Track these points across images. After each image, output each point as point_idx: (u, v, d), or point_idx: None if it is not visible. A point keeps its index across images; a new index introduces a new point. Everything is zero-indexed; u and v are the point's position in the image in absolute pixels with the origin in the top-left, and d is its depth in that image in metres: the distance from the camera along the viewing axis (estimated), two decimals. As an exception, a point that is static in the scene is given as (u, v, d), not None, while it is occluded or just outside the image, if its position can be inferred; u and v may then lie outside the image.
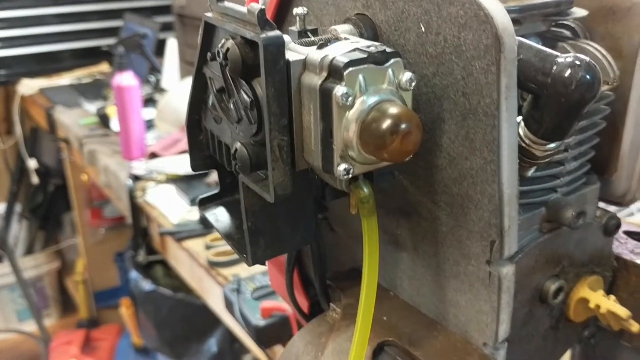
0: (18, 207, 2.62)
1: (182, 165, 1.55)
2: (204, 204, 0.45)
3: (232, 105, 0.34)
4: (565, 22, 0.43)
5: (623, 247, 0.49)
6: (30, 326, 2.55)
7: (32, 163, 2.37)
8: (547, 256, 0.41)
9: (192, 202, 1.45)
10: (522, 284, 0.41)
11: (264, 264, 0.41)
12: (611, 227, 0.45)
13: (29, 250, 2.69)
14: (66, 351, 2.23)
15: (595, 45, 0.40)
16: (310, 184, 0.38)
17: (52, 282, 2.69)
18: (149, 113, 1.82)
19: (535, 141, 0.34)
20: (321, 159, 0.31)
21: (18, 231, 2.66)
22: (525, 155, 0.35)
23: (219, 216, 0.43)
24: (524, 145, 0.35)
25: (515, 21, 0.37)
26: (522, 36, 0.35)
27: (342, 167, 0.30)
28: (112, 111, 1.84)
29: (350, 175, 0.31)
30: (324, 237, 0.48)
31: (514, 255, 0.39)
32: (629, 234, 0.52)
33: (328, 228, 0.48)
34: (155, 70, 2.03)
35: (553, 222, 0.41)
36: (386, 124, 0.29)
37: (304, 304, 0.51)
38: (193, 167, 0.43)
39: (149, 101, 1.94)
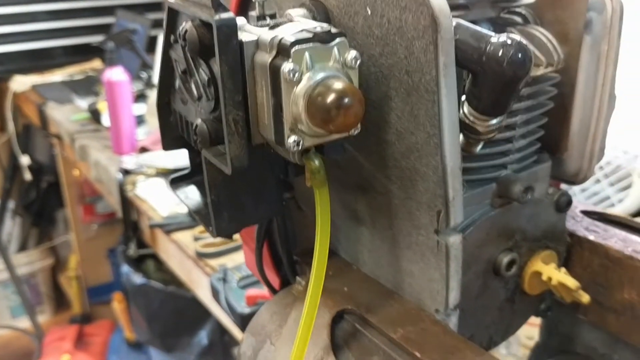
0: (11, 204, 2.64)
1: (172, 159, 1.57)
2: (175, 183, 0.47)
3: (193, 85, 0.36)
4: (516, 9, 0.45)
5: (578, 224, 0.51)
6: (24, 323, 2.57)
7: (24, 159, 2.39)
8: (499, 230, 0.44)
9: (181, 196, 1.47)
10: (475, 256, 0.43)
11: (230, 237, 0.43)
12: (562, 203, 0.47)
13: (23, 247, 2.71)
14: (59, 347, 2.25)
15: (542, 30, 0.43)
16: (270, 161, 0.40)
17: (45, 278, 2.71)
18: (140, 109, 1.83)
19: (477, 117, 0.36)
20: (274, 132, 0.33)
21: (11, 228, 2.68)
22: (470, 132, 0.38)
23: (189, 194, 0.45)
24: (468, 122, 0.37)
25: (463, 7, 0.40)
26: (473, 21, 0.37)
27: (292, 139, 0.33)
28: (103, 106, 1.86)
29: (300, 147, 0.33)
30: (293, 216, 0.50)
31: (466, 228, 0.42)
32: (586, 213, 0.54)
33: (296, 207, 0.50)
34: (147, 66, 2.05)
35: (504, 197, 0.43)
36: (331, 98, 0.31)
37: (275, 281, 0.53)
38: (164, 147, 0.46)
39: (140, 97, 1.96)
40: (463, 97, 0.36)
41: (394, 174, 0.38)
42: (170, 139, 0.45)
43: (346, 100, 0.31)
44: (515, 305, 0.48)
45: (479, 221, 0.42)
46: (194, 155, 0.46)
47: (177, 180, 0.47)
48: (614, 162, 1.36)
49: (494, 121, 0.37)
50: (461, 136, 0.39)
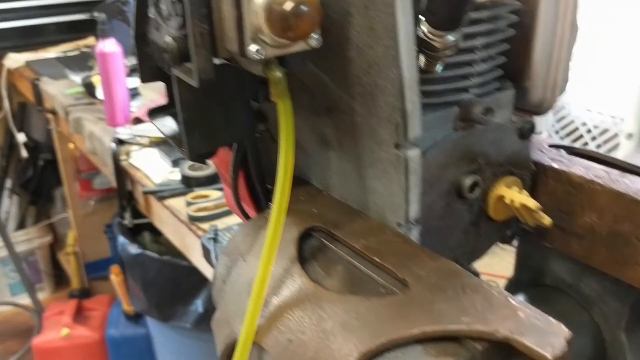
0: (8, 183, 2.66)
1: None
2: (154, 114, 0.49)
3: (163, 5, 0.38)
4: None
5: (544, 155, 0.53)
6: (23, 300, 2.61)
7: (21, 137, 2.41)
8: (462, 153, 0.46)
9: (175, 163, 1.49)
10: (438, 177, 0.45)
11: (203, 161, 0.45)
12: (526, 130, 0.49)
13: (21, 225, 2.74)
14: (59, 321, 2.28)
15: (502, -44, 0.44)
16: (240, 82, 0.42)
17: (44, 256, 2.74)
18: (134, 82, 1.85)
19: (434, 33, 0.38)
20: (237, 44, 0.35)
21: (9, 207, 2.70)
22: (429, 49, 0.40)
23: (166, 123, 0.47)
24: (426, 39, 0.39)
25: None
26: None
27: (254, 47, 0.34)
28: (97, 80, 1.87)
29: (262, 56, 0.35)
30: (268, 148, 0.52)
31: (429, 149, 0.44)
32: (553, 146, 0.56)
33: (271, 140, 0.52)
34: (140, 41, 2.05)
35: (466, 121, 0.45)
36: (288, 6, 0.33)
37: (253, 215, 0.56)
38: (142, 79, 0.47)
39: (135, 71, 1.97)
40: (421, 17, 0.38)
41: (357, 91, 0.40)
42: (148, 70, 0.47)
43: (303, 7, 0.33)
44: (480, 229, 0.50)
45: (441, 142, 0.44)
46: (171, 88, 0.48)
47: (155, 111, 0.49)
48: (602, 126, 1.38)
49: (451, 37, 0.38)
50: (422, 57, 0.41)
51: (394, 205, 0.42)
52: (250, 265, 0.42)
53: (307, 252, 0.43)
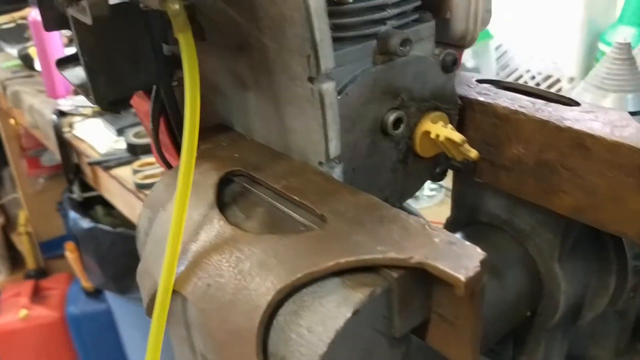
0: (-47, 166, 2.56)
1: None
2: (62, 64, 0.46)
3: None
4: None
5: (472, 90, 0.53)
6: (-21, 284, 2.54)
7: (-40, 116, 2.31)
8: (383, 87, 0.45)
9: (119, 132, 1.45)
10: (360, 114, 0.44)
11: (117, 110, 0.43)
12: (448, 62, 0.48)
13: (-30, 209, 2.65)
14: (15, 303, 2.24)
15: None
16: (144, 22, 0.40)
17: (-3, 238, 2.67)
18: (72, 51, 1.78)
19: (340, -42, 0.36)
20: (129, -26, 0.33)
21: (-44, 190, 2.61)
22: (336, -23, 0.38)
23: (75, 73, 0.45)
24: (333, -35, 0.37)
25: None
26: None
27: (145, -23, 0.32)
28: (34, 51, 1.80)
29: (156, -13, 0.33)
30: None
31: (348, 84, 0.42)
32: (481, 81, 0.55)
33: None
34: (78, 9, 1.97)
35: (385, 54, 0.44)
36: None
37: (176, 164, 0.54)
38: (45, 28, 0.45)
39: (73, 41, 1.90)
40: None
41: (265, 24, 0.38)
42: (50, 18, 0.44)
43: None
44: (408, 167, 0.49)
45: (361, 77, 0.43)
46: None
47: (63, 61, 0.46)
48: (545, 72, 1.39)
49: (358, -37, 0.37)
50: (334, -12, 0.40)
51: (313, 144, 0.41)
52: (170, 214, 0.41)
53: (227, 197, 0.41)
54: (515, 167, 0.50)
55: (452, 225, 0.64)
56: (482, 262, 0.31)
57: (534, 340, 0.61)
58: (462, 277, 0.30)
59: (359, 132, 0.44)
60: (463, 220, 0.62)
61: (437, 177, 0.52)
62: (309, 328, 0.32)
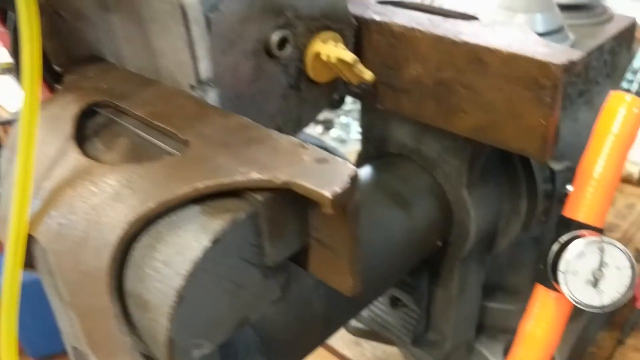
0: None
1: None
2: None
3: None
4: None
5: (368, 10, 0.49)
6: None
7: None
8: (265, 4, 0.40)
9: (29, 88, 1.36)
10: (239, 33, 0.40)
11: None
12: (337, -23, 0.44)
13: None
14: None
15: None
16: None
17: None
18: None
19: None
20: None
21: None
22: None
23: None
24: None
25: None
26: None
27: None
28: None
29: None
30: (58, 27, 0.45)
31: (218, 2, 0.38)
32: (382, 2, 0.52)
33: (57, 16, 0.45)
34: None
35: (262, -36, 0.40)
36: None
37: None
38: None
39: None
40: None
41: None
42: None
43: None
44: (302, 92, 0.46)
45: (236, -9, 0.39)
46: None
47: None
48: None
49: None
50: None
51: (182, 65, 0.37)
52: (22, 150, 0.36)
53: (89, 130, 0.37)
54: (415, 89, 0.47)
55: (363, 159, 0.61)
56: (352, 178, 0.28)
57: (448, 270, 0.60)
58: (328, 194, 0.27)
59: (239, 53, 0.40)
60: (373, 152, 0.60)
61: (336, 104, 0.49)
62: (165, 261, 0.28)
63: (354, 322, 0.70)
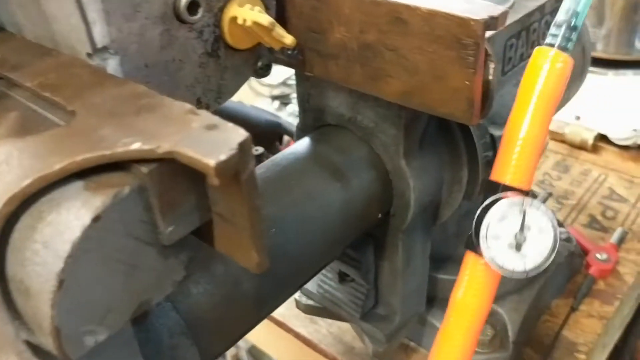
0: None
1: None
2: None
3: None
4: None
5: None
6: None
7: None
8: (169, -35, 0.38)
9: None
10: (142, -3, 0.37)
11: None
12: (252, -64, 0.42)
13: None
14: None
15: None
16: None
17: None
18: None
19: None
20: None
21: None
22: None
23: None
24: None
25: None
26: None
27: None
28: None
29: None
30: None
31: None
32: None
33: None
34: None
35: None
36: None
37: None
38: None
39: None
40: None
41: None
42: None
43: None
44: (221, 60, 0.44)
45: (135, -49, 0.36)
46: None
47: None
48: None
49: None
50: None
51: (75, 31, 0.34)
52: None
53: (-22, 105, 0.34)
54: (341, 54, 0.45)
55: (302, 130, 0.59)
56: (242, 145, 0.26)
57: (392, 243, 0.58)
58: (211, 162, 0.25)
59: (144, 19, 0.38)
60: (311, 124, 0.58)
61: (260, 73, 0.47)
62: (45, 243, 0.26)
63: (305, 300, 0.69)
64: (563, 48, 0.41)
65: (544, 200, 0.76)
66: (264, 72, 0.47)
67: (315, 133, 0.56)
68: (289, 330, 0.75)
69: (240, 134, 0.26)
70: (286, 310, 0.76)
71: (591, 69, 1.01)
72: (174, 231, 0.29)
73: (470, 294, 0.44)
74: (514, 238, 0.41)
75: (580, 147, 0.99)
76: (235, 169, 0.26)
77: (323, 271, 0.66)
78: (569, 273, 0.78)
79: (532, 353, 0.69)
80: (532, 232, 0.41)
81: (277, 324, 0.76)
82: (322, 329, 0.74)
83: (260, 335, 0.86)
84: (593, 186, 0.93)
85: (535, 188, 0.92)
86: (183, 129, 0.27)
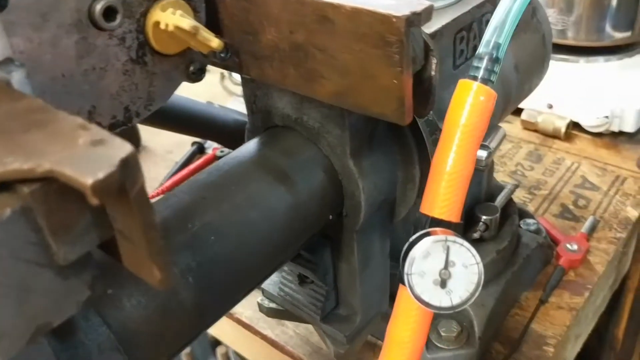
0: None
1: None
2: None
3: None
4: None
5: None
6: None
7: None
8: (80, -30, 0.37)
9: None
10: (51, 4, 0.36)
11: None
12: (172, -63, 0.40)
13: None
14: None
15: None
16: None
17: None
18: None
19: None
20: None
21: None
22: None
23: None
24: None
25: None
26: None
27: None
28: None
29: None
30: None
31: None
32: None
33: None
34: None
35: None
36: None
37: None
38: None
39: None
40: None
41: None
42: None
43: None
44: (149, 67, 0.42)
45: (40, -43, 0.35)
46: None
47: None
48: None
49: None
50: None
51: (-25, 45, 0.33)
52: None
53: None
54: (274, 55, 0.44)
55: (251, 133, 0.58)
56: (124, 161, 0.24)
57: (348, 244, 0.57)
58: (88, 181, 0.23)
59: (56, 28, 0.36)
60: (260, 125, 0.57)
61: (194, 77, 0.45)
62: None
63: (267, 303, 0.68)
64: (486, 81, 0.41)
65: (512, 192, 0.75)
66: (197, 76, 0.45)
67: (261, 135, 0.55)
68: (256, 332, 0.74)
69: (125, 149, 0.25)
70: (254, 313, 0.75)
71: (562, 56, 1.00)
72: (70, 251, 0.28)
73: (405, 329, 0.44)
74: (438, 274, 0.41)
75: (553, 135, 0.98)
76: (117, 186, 0.24)
77: (283, 273, 0.65)
78: (538, 265, 0.77)
79: (500, 348, 0.68)
80: (456, 267, 0.41)
81: (245, 326, 0.75)
82: (289, 331, 0.73)
83: (233, 338, 0.86)
84: (566, 175, 0.91)
85: (506, 179, 0.91)
86: (68, 146, 0.26)
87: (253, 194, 0.48)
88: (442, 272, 0.41)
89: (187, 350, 1.41)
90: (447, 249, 0.41)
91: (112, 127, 0.41)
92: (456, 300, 0.42)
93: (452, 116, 0.41)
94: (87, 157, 0.25)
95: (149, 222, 0.26)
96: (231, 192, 0.47)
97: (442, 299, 0.42)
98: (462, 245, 0.41)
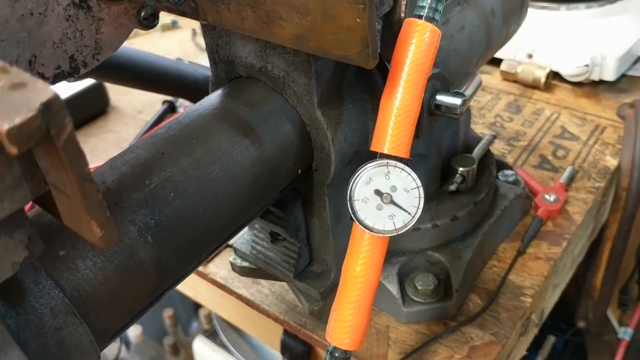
0: None
1: None
2: None
3: None
4: None
5: None
6: None
7: None
8: None
9: None
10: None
11: None
12: None
13: None
14: None
15: None
16: None
17: None
18: None
19: None
20: None
21: None
22: None
23: None
24: None
25: None
26: None
27: None
28: None
29: None
30: None
31: None
32: None
33: None
34: None
35: None
36: None
37: None
38: None
39: None
40: None
41: None
42: None
43: None
44: (94, 12, 0.39)
45: None
46: None
47: None
48: None
49: None
50: None
51: None
52: None
53: None
54: (231, -3, 0.41)
55: (215, 85, 0.55)
56: (47, 105, 0.22)
57: (319, 199, 0.55)
58: (3, 127, 0.21)
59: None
60: (224, 76, 0.54)
61: (145, 24, 0.42)
62: None
63: (239, 262, 0.66)
64: (430, 19, 0.41)
65: (489, 144, 0.73)
66: (149, 22, 0.42)
67: (225, 87, 0.52)
68: (231, 292, 0.73)
69: (47, 92, 0.22)
70: (228, 273, 0.73)
71: (543, 4, 0.97)
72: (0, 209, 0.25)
73: (358, 264, 0.43)
74: (381, 199, 0.41)
75: (533, 86, 0.96)
76: (42, 133, 0.22)
77: (255, 231, 0.63)
78: (517, 217, 0.76)
79: (478, 300, 0.67)
80: (398, 192, 0.42)
81: (219, 287, 0.74)
82: (265, 289, 0.72)
83: (209, 298, 0.84)
84: (545, 125, 0.90)
85: (485, 131, 0.89)
86: (-12, 91, 0.23)
87: (214, 148, 0.46)
88: (384, 196, 0.42)
89: (170, 312, 1.41)
90: (388, 174, 0.41)
91: (57, 78, 0.38)
92: (399, 224, 0.43)
93: (399, 54, 0.41)
94: (5, 101, 0.22)
95: (82, 173, 0.24)
96: (191, 146, 0.45)
97: (386, 223, 0.42)
98: (402, 170, 0.41)
